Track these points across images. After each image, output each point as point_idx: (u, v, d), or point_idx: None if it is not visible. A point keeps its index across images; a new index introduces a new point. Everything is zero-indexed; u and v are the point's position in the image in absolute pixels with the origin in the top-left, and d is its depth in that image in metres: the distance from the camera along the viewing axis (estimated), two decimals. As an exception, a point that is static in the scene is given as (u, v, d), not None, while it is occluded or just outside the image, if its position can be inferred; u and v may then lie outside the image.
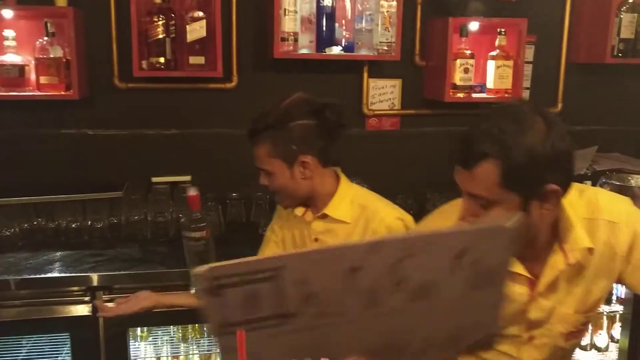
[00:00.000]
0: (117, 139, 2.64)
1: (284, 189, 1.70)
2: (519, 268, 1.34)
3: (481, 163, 1.16)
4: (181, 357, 2.54)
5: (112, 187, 2.46)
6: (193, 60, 2.47)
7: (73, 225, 2.39)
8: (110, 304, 1.82)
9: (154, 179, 2.56)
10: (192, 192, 1.77)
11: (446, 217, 1.44)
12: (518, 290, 1.36)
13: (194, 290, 1.87)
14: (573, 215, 1.32)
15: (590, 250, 1.33)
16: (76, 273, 2.14)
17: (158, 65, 2.45)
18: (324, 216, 1.74)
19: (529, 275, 1.36)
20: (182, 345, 2.53)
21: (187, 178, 2.58)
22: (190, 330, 2.53)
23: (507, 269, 1.16)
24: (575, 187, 1.33)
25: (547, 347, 1.44)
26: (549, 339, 1.43)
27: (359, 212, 1.72)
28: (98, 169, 2.60)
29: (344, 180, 1.77)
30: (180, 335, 2.53)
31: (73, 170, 2.58)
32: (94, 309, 2.14)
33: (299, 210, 1.78)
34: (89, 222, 2.41)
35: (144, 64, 2.44)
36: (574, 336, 1.46)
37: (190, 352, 2.52)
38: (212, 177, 2.63)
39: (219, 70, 2.47)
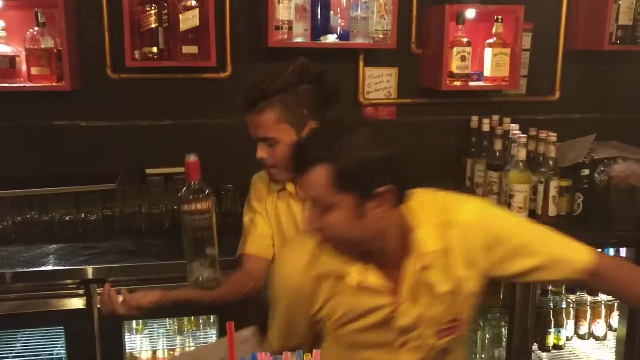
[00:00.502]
0: (110, 130, 2.61)
1: (286, 159, 1.62)
2: (373, 278, 1.33)
3: (314, 167, 1.21)
4: (177, 350, 2.53)
5: (106, 179, 2.43)
6: (186, 49, 2.44)
7: (67, 218, 2.37)
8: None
9: (148, 171, 2.54)
10: (192, 158, 1.66)
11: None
12: (379, 301, 1.35)
13: (189, 283, 1.68)
14: (422, 218, 1.34)
15: (444, 252, 1.34)
16: (70, 266, 2.11)
17: (151, 55, 2.42)
18: None
19: (386, 285, 1.35)
20: (177, 337, 2.52)
21: (182, 169, 2.53)
22: (186, 323, 2.52)
23: None
24: (428, 192, 1.40)
25: (421, 348, 1.43)
26: (422, 341, 1.42)
27: None
28: (91, 160, 2.57)
29: None
30: (176, 327, 2.52)
31: (66, 162, 2.55)
32: (88, 302, 2.12)
33: (290, 186, 1.73)
34: (83, 215, 2.38)
35: (137, 54, 2.41)
36: (447, 333, 1.44)
37: (187, 345, 2.50)
38: (206, 168, 2.57)
39: (212, 60, 2.44)
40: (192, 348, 2.51)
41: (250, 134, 1.68)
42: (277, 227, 1.78)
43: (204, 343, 2.50)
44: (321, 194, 1.22)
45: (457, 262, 1.35)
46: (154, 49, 2.41)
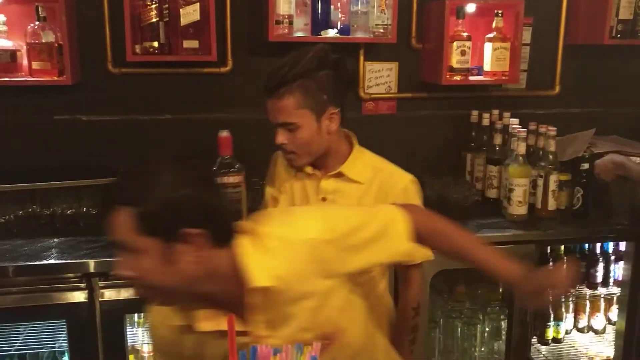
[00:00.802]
0: (111, 125, 2.62)
1: (307, 144, 1.65)
2: (207, 325, 1.23)
3: (118, 211, 1.15)
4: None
5: (107, 173, 2.43)
6: (187, 44, 2.44)
7: (68, 212, 2.37)
8: None
9: (149, 165, 2.54)
10: (224, 133, 1.66)
11: None
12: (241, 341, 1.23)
13: None
14: (242, 253, 1.21)
15: (279, 280, 1.22)
16: (72, 260, 2.12)
17: (151, 49, 2.42)
18: (339, 175, 1.72)
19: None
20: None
21: (183, 163, 2.55)
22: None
23: None
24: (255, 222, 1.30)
25: None
26: None
27: (372, 174, 1.72)
28: (92, 155, 2.58)
29: (356, 142, 1.77)
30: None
31: (67, 157, 2.56)
32: (90, 295, 2.14)
33: (308, 168, 1.75)
34: (84, 209, 2.39)
35: (138, 48, 2.41)
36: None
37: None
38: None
39: (213, 54, 2.44)
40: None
41: (269, 120, 1.69)
42: (291, 205, 1.80)
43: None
44: (126, 238, 1.15)
45: (295, 285, 1.25)
46: (155, 44, 2.41)
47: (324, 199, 1.73)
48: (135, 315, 2.48)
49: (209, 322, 1.22)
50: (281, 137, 1.67)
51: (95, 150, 2.60)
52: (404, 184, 1.71)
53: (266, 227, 1.26)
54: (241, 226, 1.25)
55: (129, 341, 2.35)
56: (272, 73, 1.64)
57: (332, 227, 1.27)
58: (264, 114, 2.71)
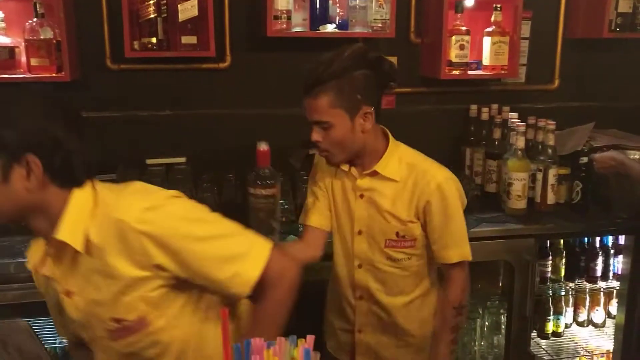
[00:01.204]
0: (110, 121, 2.62)
1: (340, 143, 1.67)
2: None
3: None
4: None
5: (106, 169, 2.44)
6: (185, 40, 2.44)
7: (68, 208, 2.38)
8: None
9: (148, 161, 2.54)
10: (262, 146, 1.72)
11: None
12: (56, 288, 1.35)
13: None
14: (71, 203, 1.26)
15: (87, 245, 1.26)
16: (72, 256, 2.13)
17: (150, 45, 2.42)
18: (374, 173, 1.74)
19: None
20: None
21: (182, 159, 2.56)
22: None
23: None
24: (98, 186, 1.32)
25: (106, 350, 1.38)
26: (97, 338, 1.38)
27: (407, 171, 1.73)
28: (91, 151, 2.58)
29: (392, 138, 1.78)
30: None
31: (67, 153, 2.56)
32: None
33: (345, 166, 1.77)
34: (84, 205, 2.39)
35: (136, 44, 2.41)
36: (121, 335, 1.33)
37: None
38: (207, 158, 2.61)
39: (211, 50, 2.44)
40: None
41: (306, 117, 1.70)
42: (333, 203, 1.84)
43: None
44: None
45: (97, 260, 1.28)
46: (153, 40, 2.41)
47: (361, 196, 1.76)
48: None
49: (46, 266, 1.30)
50: (315, 135, 1.69)
51: (95, 147, 2.60)
52: (437, 181, 1.71)
53: (106, 193, 1.29)
54: (93, 183, 1.30)
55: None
56: (309, 72, 1.65)
57: (160, 221, 1.24)
58: (263, 109, 2.74)
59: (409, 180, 1.72)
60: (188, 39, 2.45)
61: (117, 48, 2.47)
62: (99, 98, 2.60)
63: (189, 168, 2.53)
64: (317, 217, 1.84)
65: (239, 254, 1.28)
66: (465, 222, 1.78)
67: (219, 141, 2.69)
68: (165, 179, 2.49)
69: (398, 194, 1.73)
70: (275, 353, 0.81)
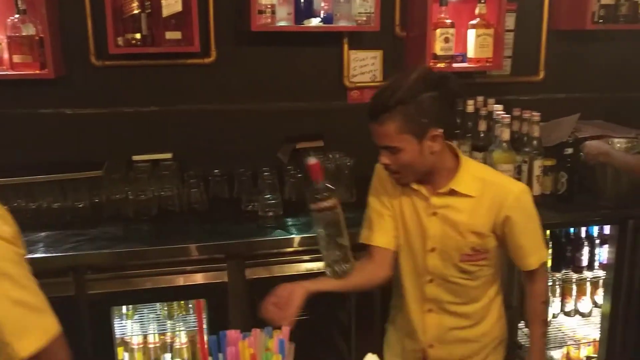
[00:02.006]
0: (96, 118, 2.62)
1: (410, 166, 1.66)
2: None
3: None
4: (168, 334, 2.55)
5: (92, 166, 2.44)
6: (169, 35, 2.44)
7: (54, 206, 2.37)
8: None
9: (135, 157, 2.54)
10: (312, 161, 1.71)
11: None
12: None
13: (328, 271, 1.78)
14: None
15: None
16: (59, 253, 2.12)
17: (134, 41, 2.41)
18: (452, 192, 1.73)
19: None
20: (168, 322, 2.54)
21: (168, 156, 2.56)
22: (175, 308, 2.54)
23: None
24: None
25: None
26: None
27: (481, 186, 1.73)
28: (77, 148, 2.58)
29: (461, 155, 1.78)
30: (166, 312, 2.54)
31: (52, 150, 2.55)
32: (78, 288, 2.14)
33: (415, 185, 1.77)
34: (70, 202, 2.39)
35: (120, 40, 2.41)
36: None
37: (177, 329, 2.53)
38: (193, 154, 2.62)
39: (196, 45, 2.44)
40: (182, 332, 2.53)
41: (373, 140, 1.70)
42: (401, 221, 1.82)
43: (194, 328, 2.53)
44: None
45: None
46: (137, 35, 2.40)
47: (434, 214, 1.75)
48: (124, 307, 2.48)
49: None
50: (384, 159, 1.69)
51: (80, 144, 2.60)
52: (515, 194, 1.73)
53: None
54: None
55: (117, 334, 2.36)
56: (375, 98, 1.65)
57: None
58: (249, 104, 2.74)
59: (485, 195, 1.73)
60: (172, 35, 2.44)
61: (101, 44, 2.47)
62: (84, 95, 2.60)
63: (176, 164, 2.53)
64: (385, 237, 1.82)
65: (21, 327, 1.17)
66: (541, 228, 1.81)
67: (205, 137, 2.69)
68: (151, 174, 2.48)
69: (474, 209, 1.73)
70: (251, 344, 0.81)
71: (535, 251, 1.79)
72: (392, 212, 1.82)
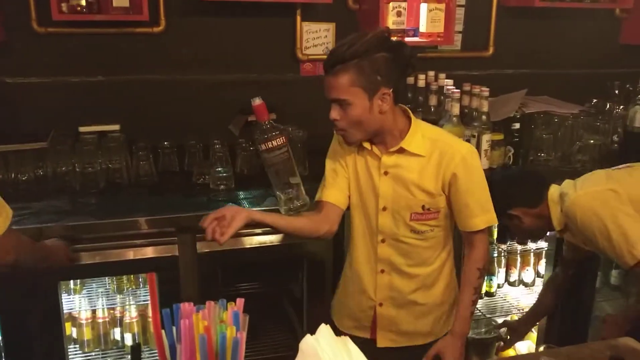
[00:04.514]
0: (40, 87, 2.52)
1: (358, 122, 1.70)
2: None
3: None
4: (118, 309, 2.52)
5: (37, 137, 2.36)
6: (117, 2, 2.37)
7: (-4, 179, 2.29)
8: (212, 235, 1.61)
9: (81, 129, 2.47)
10: (257, 101, 1.77)
11: None
12: None
13: (282, 209, 1.88)
14: None
15: None
16: (1, 227, 2.05)
17: (79, 8, 2.34)
18: (400, 150, 1.77)
19: None
20: (118, 296, 2.51)
21: (116, 127, 2.50)
22: (125, 282, 2.51)
23: None
24: None
25: None
26: None
27: (431, 146, 1.78)
28: (20, 119, 2.49)
29: (413, 117, 1.82)
30: (115, 286, 2.50)
31: (-8, 121, 2.45)
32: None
33: (367, 144, 1.80)
34: (13, 175, 2.31)
35: (64, 6, 2.32)
36: None
37: (127, 303, 2.50)
38: (142, 126, 2.56)
39: (145, 14, 2.37)
40: (132, 306, 2.51)
41: (325, 96, 1.72)
42: (354, 181, 1.86)
43: (144, 302, 2.51)
44: None
45: None
46: (82, 2, 2.33)
47: (386, 173, 1.80)
48: (71, 282, 2.44)
49: None
50: (334, 113, 1.71)
51: (23, 114, 2.51)
52: (462, 154, 1.77)
53: None
54: None
55: (65, 309, 2.32)
56: (332, 52, 1.68)
57: None
58: (199, 75, 2.69)
59: (434, 155, 1.78)
60: (120, 2, 2.38)
61: (44, 10, 2.36)
62: (26, 63, 2.50)
63: (123, 136, 2.48)
64: (336, 194, 1.86)
65: None
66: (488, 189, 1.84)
67: (154, 108, 2.64)
68: (98, 146, 2.42)
69: (424, 168, 1.78)
70: (204, 317, 0.81)
71: (482, 212, 1.82)
72: (346, 172, 1.87)
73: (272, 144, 1.76)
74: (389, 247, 1.86)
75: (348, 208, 1.89)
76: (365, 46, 1.64)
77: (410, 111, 1.83)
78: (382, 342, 1.92)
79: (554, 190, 2.02)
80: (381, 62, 1.65)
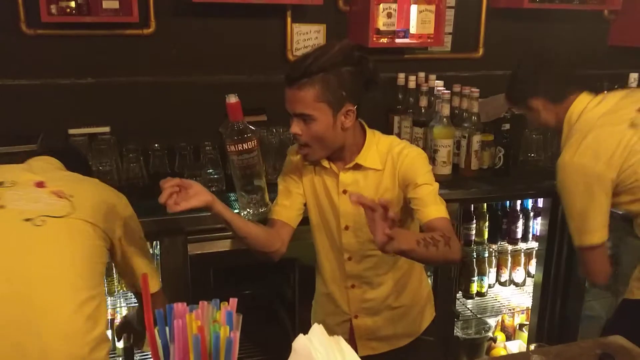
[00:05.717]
0: (29, 90, 2.51)
1: (320, 139, 1.65)
2: None
3: None
4: (109, 311, 2.51)
5: (26, 140, 2.34)
6: (106, 4, 2.36)
7: (-15, 181, 2.27)
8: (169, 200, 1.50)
9: (71, 131, 2.46)
10: (232, 99, 1.67)
11: None
12: None
13: (243, 213, 1.81)
14: None
15: None
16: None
17: (69, 10, 2.33)
18: (357, 167, 1.73)
19: None
20: (109, 298, 2.50)
21: (106, 129, 2.48)
22: (116, 284, 2.49)
23: None
24: None
25: None
26: None
27: (385, 156, 1.75)
28: (9, 121, 2.46)
29: (368, 130, 1.78)
30: (106, 289, 2.49)
31: (-19, 123, 2.43)
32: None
33: (325, 162, 1.76)
34: (2, 177, 2.29)
35: (53, 8, 2.31)
36: None
37: (118, 305, 2.49)
38: (132, 128, 2.55)
39: (134, 15, 2.36)
40: (124, 308, 2.50)
41: (287, 108, 1.67)
42: (314, 200, 1.82)
43: (136, 304, 2.49)
44: None
45: None
46: (72, 4, 2.32)
47: (344, 192, 1.75)
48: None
49: None
50: (296, 127, 1.66)
51: (12, 117, 2.49)
52: (411, 156, 1.73)
53: None
54: None
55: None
56: (296, 63, 1.63)
57: None
58: (189, 77, 2.68)
59: (387, 165, 1.74)
60: (109, 4, 2.37)
61: (33, 12, 2.35)
62: (15, 65, 2.48)
63: (114, 138, 2.46)
64: (286, 212, 1.81)
65: None
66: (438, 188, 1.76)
67: (145, 110, 2.63)
68: (88, 149, 2.41)
69: (380, 181, 1.74)
70: (198, 317, 0.81)
71: (434, 203, 1.69)
72: (300, 189, 1.83)
73: (242, 147, 1.68)
74: (356, 263, 1.82)
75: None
76: (332, 60, 1.59)
77: (365, 124, 1.80)
78: (363, 351, 1.89)
79: (578, 102, 2.01)
80: (346, 76, 1.61)
